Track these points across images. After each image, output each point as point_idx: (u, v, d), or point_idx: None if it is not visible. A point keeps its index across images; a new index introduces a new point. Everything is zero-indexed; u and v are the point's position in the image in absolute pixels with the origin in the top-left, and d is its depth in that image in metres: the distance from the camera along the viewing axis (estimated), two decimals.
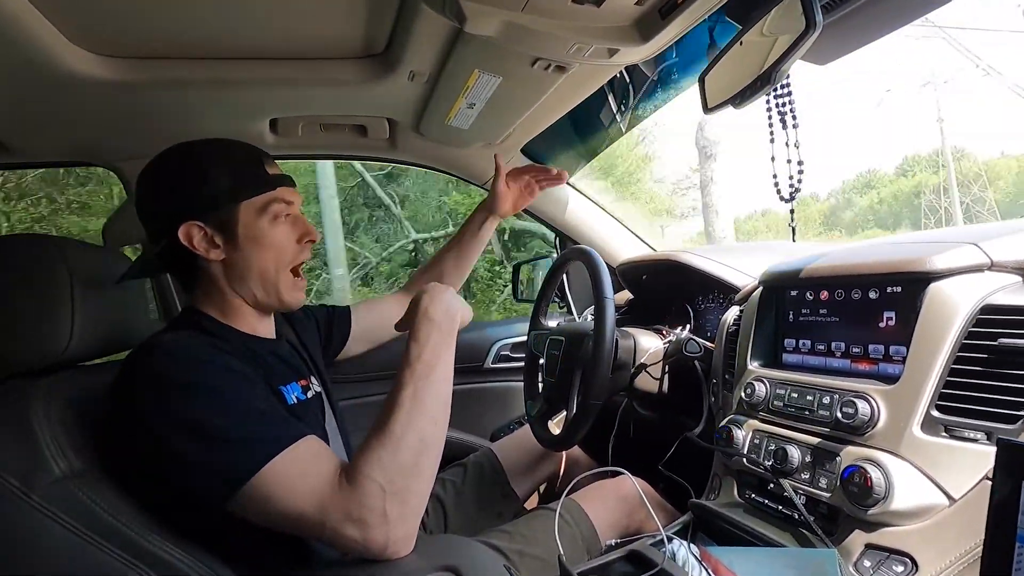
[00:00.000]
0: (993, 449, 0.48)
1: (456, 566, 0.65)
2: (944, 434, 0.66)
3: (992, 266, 0.69)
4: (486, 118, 1.19)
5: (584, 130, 1.59)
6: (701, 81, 0.90)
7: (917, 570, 0.63)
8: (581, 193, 1.63)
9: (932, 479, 0.65)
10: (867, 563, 0.67)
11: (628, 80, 1.36)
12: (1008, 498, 0.42)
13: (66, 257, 0.73)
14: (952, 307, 0.68)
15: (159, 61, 0.96)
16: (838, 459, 0.73)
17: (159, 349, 0.67)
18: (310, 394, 0.85)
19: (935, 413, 0.67)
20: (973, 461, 0.63)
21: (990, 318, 0.65)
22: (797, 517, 0.76)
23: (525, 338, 1.34)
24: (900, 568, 0.64)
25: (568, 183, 1.63)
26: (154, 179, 0.76)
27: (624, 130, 1.59)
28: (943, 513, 0.64)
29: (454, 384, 1.72)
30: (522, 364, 1.37)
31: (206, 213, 0.73)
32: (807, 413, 0.80)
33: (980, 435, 0.63)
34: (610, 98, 1.44)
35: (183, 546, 0.66)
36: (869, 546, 0.68)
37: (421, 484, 0.65)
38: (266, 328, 0.84)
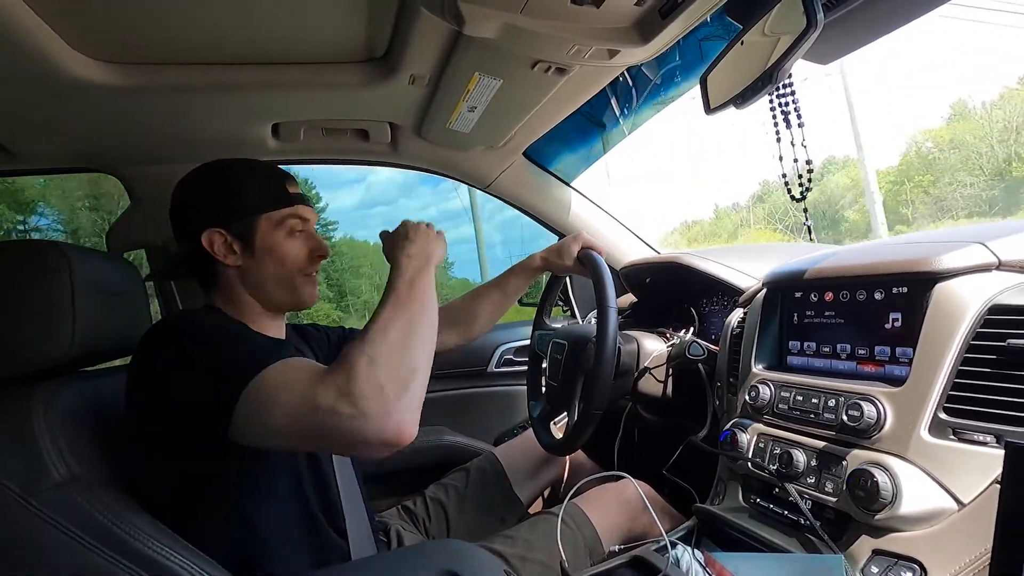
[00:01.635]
0: (1003, 452, 0.47)
1: (457, 571, 0.64)
2: (952, 437, 0.65)
3: (1000, 266, 0.68)
4: (487, 121, 1.19)
5: (587, 132, 1.58)
6: (703, 82, 0.90)
7: (925, 575, 0.62)
8: (584, 196, 1.63)
9: (941, 483, 0.64)
10: (874, 569, 0.65)
11: (630, 82, 1.36)
12: (1017, 504, 0.41)
13: (68, 262, 0.74)
14: (959, 307, 0.67)
15: (161, 66, 0.97)
16: (844, 463, 0.72)
17: (176, 318, 0.75)
18: None
19: (943, 415, 0.65)
20: (983, 464, 0.61)
21: (998, 318, 0.64)
22: (803, 522, 0.75)
23: (528, 342, 1.33)
24: (908, 574, 0.63)
25: (571, 186, 1.63)
26: (188, 188, 0.83)
27: (627, 132, 1.59)
28: (952, 518, 0.62)
29: (457, 389, 1.72)
30: (525, 368, 1.36)
31: (228, 222, 0.80)
32: (812, 416, 0.79)
33: (989, 438, 0.62)
34: (612, 100, 1.44)
35: (181, 550, 0.65)
36: (876, 552, 0.66)
37: (413, 359, 0.62)
38: (276, 331, 0.87)
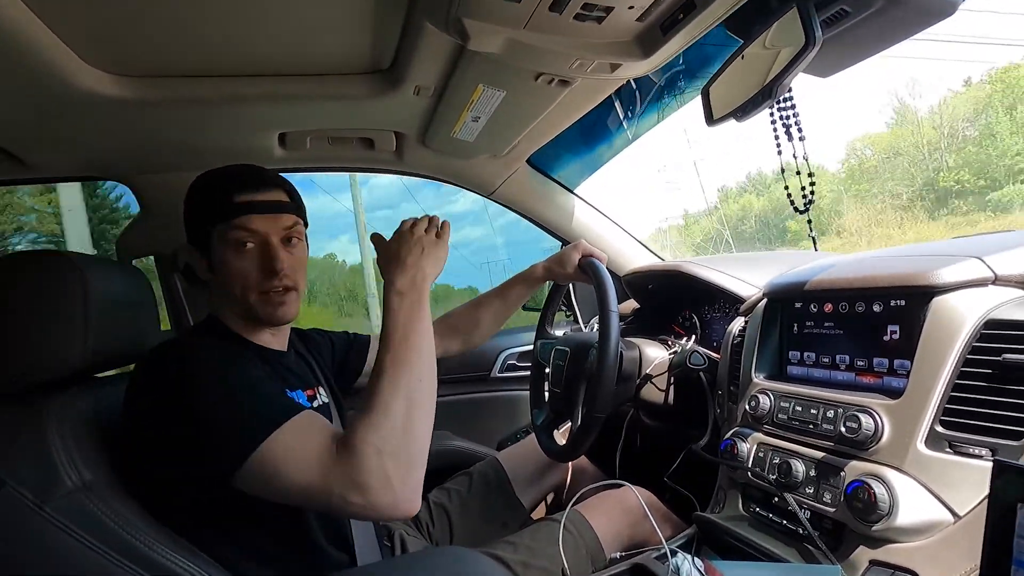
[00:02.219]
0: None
1: None
2: (948, 450, 0.65)
3: (996, 280, 0.69)
4: (491, 130, 1.20)
5: (591, 140, 1.59)
6: (704, 94, 0.91)
7: None
8: (587, 203, 1.64)
9: (937, 495, 0.65)
10: None
11: (635, 88, 1.37)
12: (1003, 521, 0.42)
13: (79, 271, 0.75)
14: (956, 321, 0.68)
15: (171, 79, 0.99)
16: (842, 474, 0.72)
17: (175, 344, 0.73)
18: (316, 403, 0.87)
19: (939, 428, 0.66)
20: (978, 477, 0.62)
21: (994, 333, 0.65)
22: (801, 532, 0.76)
23: (531, 347, 1.34)
24: None
25: (574, 193, 1.64)
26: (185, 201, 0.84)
27: (632, 139, 1.60)
28: (948, 530, 0.63)
29: (461, 394, 1.74)
30: (528, 373, 1.37)
31: (194, 238, 0.81)
32: (811, 427, 0.79)
33: (985, 451, 0.63)
34: (617, 107, 1.45)
35: (191, 557, 0.67)
36: (874, 562, 0.67)
37: (416, 442, 0.65)
38: (277, 342, 0.87)
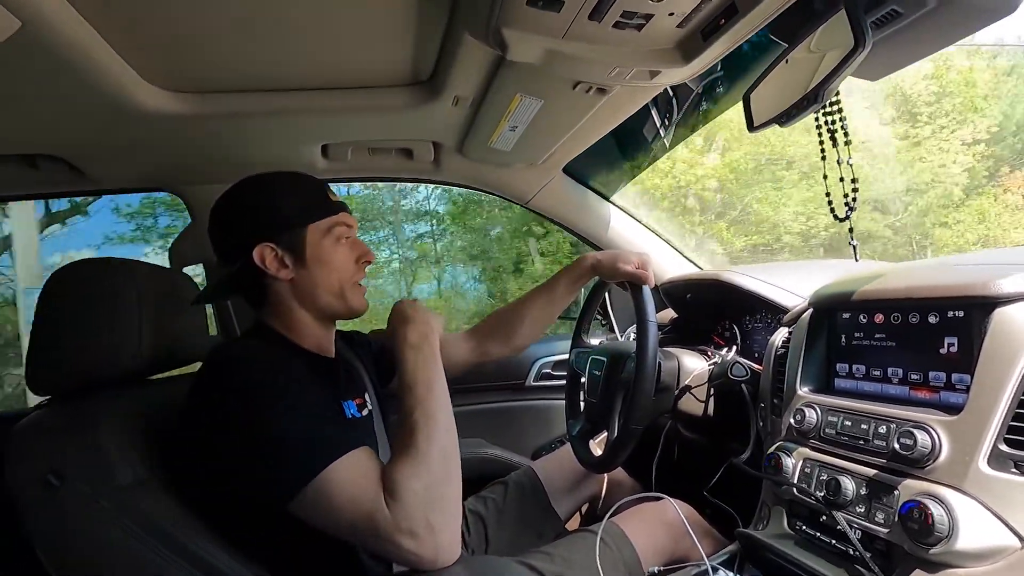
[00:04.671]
0: None
1: None
2: (1015, 470, 0.62)
3: None
4: (528, 139, 1.21)
5: (627, 147, 1.58)
6: (746, 99, 0.89)
7: None
8: (623, 211, 1.63)
9: (1001, 518, 0.61)
10: None
11: (672, 94, 1.35)
12: None
13: (135, 278, 0.79)
14: (1021, 334, 0.64)
15: (221, 95, 1.03)
16: (896, 493, 0.69)
17: (234, 356, 0.74)
18: (364, 412, 0.89)
19: (1003, 447, 0.63)
20: None
21: None
22: (852, 553, 0.72)
23: (566, 356, 1.33)
24: None
25: (610, 200, 1.63)
26: (230, 207, 0.83)
27: (668, 146, 1.58)
28: (1015, 556, 0.59)
29: (495, 402, 1.74)
30: (563, 382, 1.36)
31: (278, 236, 0.80)
32: (862, 443, 0.76)
33: None
34: (653, 113, 1.43)
35: (238, 557, 0.69)
36: None
37: (453, 491, 0.69)
38: (327, 346, 0.89)
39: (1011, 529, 0.60)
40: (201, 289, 0.99)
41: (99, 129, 1.05)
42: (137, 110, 0.97)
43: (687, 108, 1.40)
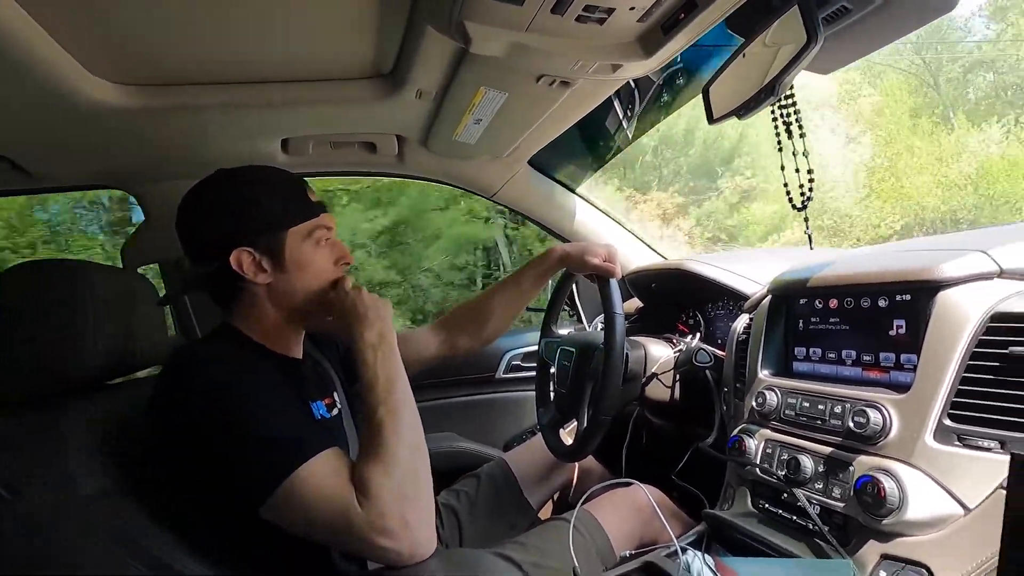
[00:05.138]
0: (1007, 458, 0.48)
1: None
2: (957, 443, 0.66)
3: (1001, 274, 0.69)
4: (492, 132, 1.21)
5: (591, 139, 1.60)
6: (705, 92, 0.91)
7: None
8: (588, 202, 1.64)
9: (946, 488, 0.65)
10: (883, 573, 0.66)
11: (634, 86, 1.37)
12: (1021, 512, 0.42)
13: (86, 280, 0.76)
14: (962, 315, 0.68)
15: (173, 87, 0.99)
16: (851, 469, 0.73)
17: (199, 359, 0.72)
18: (334, 412, 0.88)
19: (947, 422, 0.67)
20: (987, 470, 0.62)
21: (1000, 326, 0.65)
22: (811, 527, 0.76)
23: (536, 347, 1.34)
24: None
25: (576, 192, 1.65)
26: (204, 205, 0.79)
27: (631, 138, 1.61)
28: (959, 523, 0.63)
29: (466, 395, 1.74)
30: (533, 373, 1.37)
31: (256, 239, 0.77)
32: (819, 422, 0.80)
33: (994, 444, 0.63)
34: (616, 106, 1.45)
35: (206, 562, 0.68)
36: (884, 556, 0.67)
37: (425, 486, 0.69)
38: (296, 348, 0.87)
39: (955, 498, 0.64)
40: (157, 289, 0.95)
41: (43, 125, 0.99)
42: (83, 105, 0.93)
43: (649, 100, 1.42)
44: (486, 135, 1.22)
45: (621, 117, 1.49)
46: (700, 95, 0.92)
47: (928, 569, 0.64)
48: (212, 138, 1.16)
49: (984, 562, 0.61)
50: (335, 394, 0.92)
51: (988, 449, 0.63)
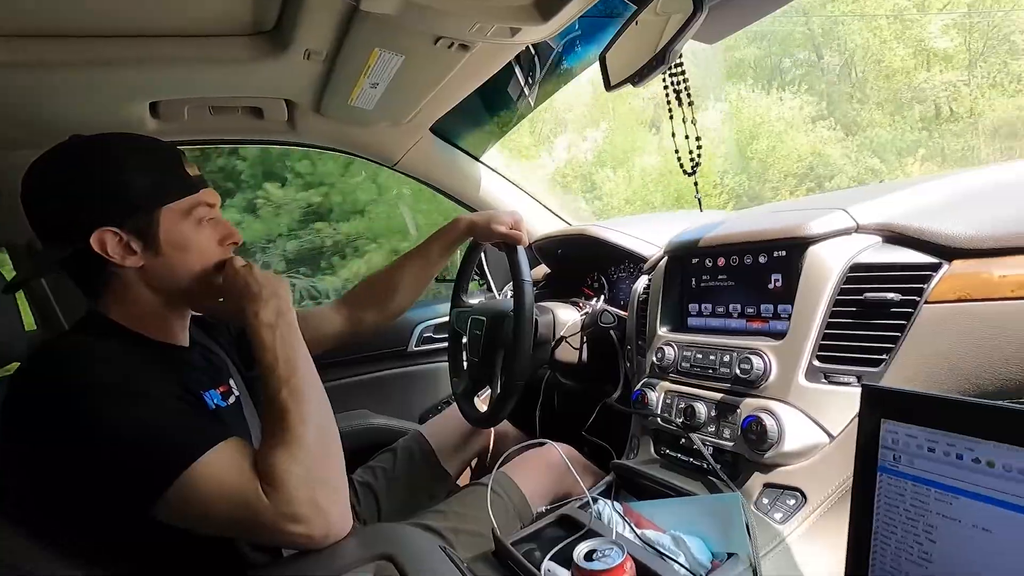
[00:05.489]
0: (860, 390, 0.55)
1: (391, 553, 0.65)
2: (824, 380, 0.74)
3: (858, 229, 0.78)
4: (391, 97, 1.16)
5: (493, 106, 1.58)
6: (602, 59, 0.93)
7: (806, 501, 0.72)
8: (493, 170, 1.64)
9: (816, 421, 0.73)
10: (765, 500, 0.75)
11: (534, 53, 1.37)
12: (871, 434, 0.49)
13: None
14: (827, 267, 0.76)
15: (20, 39, 0.85)
16: (739, 411, 0.80)
17: (65, 356, 0.63)
18: (231, 400, 0.82)
19: (816, 363, 0.75)
20: (847, 402, 0.71)
21: (858, 275, 0.74)
22: (706, 467, 0.83)
23: (447, 318, 1.34)
24: (792, 501, 0.73)
25: (480, 160, 1.63)
26: (55, 178, 0.68)
27: (533, 105, 1.61)
28: (825, 450, 0.72)
29: (378, 371, 1.70)
30: (445, 345, 1.37)
31: (122, 218, 0.68)
32: (711, 372, 0.87)
33: (852, 379, 0.72)
34: (518, 72, 1.44)
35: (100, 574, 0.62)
36: (767, 485, 0.76)
37: (336, 466, 0.67)
38: (181, 335, 0.79)
39: (822, 428, 0.73)
40: (5, 276, 0.83)
41: None
42: None
43: (549, 68, 1.43)
44: (384, 100, 1.16)
45: (523, 84, 1.49)
46: (597, 62, 0.94)
47: (802, 492, 0.72)
48: (68, 100, 1.01)
49: (844, 481, 0.70)
50: (231, 381, 0.85)
51: (848, 384, 0.72)
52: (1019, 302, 0.61)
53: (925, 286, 0.68)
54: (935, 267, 0.68)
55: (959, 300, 0.65)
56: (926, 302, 0.67)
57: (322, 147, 1.45)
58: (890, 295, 0.70)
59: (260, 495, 0.59)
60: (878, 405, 0.49)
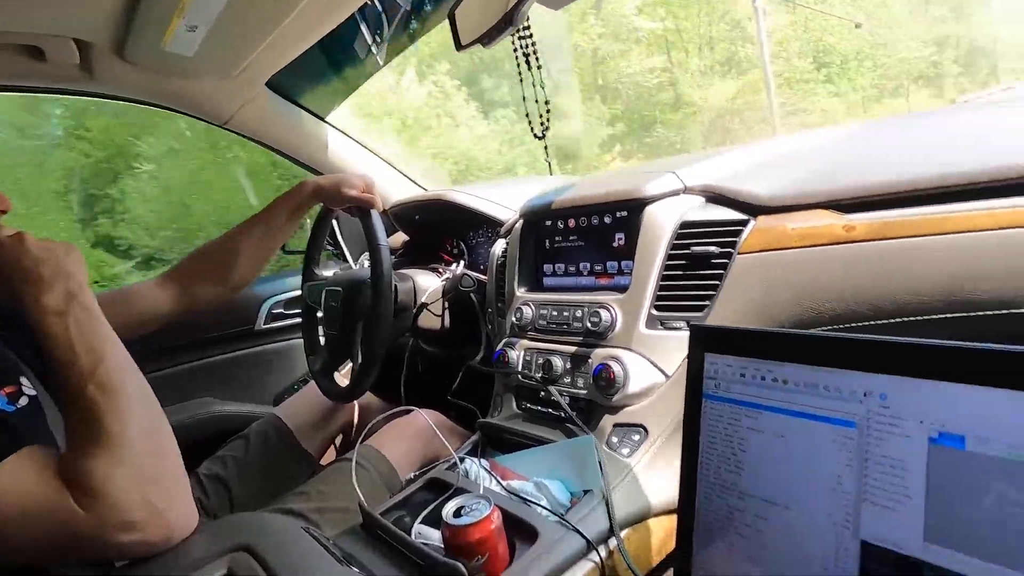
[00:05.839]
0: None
1: (248, 543, 0.61)
2: (661, 327, 0.83)
3: (686, 190, 0.87)
4: (215, 43, 1.02)
5: (339, 63, 1.48)
6: (451, 17, 0.90)
7: (648, 435, 0.80)
8: (342, 132, 1.54)
9: (654, 364, 0.82)
10: (615, 439, 0.82)
11: (381, 10, 1.29)
12: (697, 367, 0.56)
13: None
14: (661, 225, 0.84)
15: None
16: (590, 361, 0.87)
17: None
18: (22, 401, 0.67)
19: (654, 312, 0.83)
20: (679, 344, 0.81)
21: (686, 232, 0.83)
22: (563, 415, 0.89)
23: (299, 292, 1.25)
24: (636, 437, 0.81)
25: (326, 121, 1.52)
26: None
27: (382, 63, 1.53)
28: (662, 388, 0.81)
29: (224, 353, 1.56)
30: (298, 321, 1.28)
31: None
32: (565, 327, 0.92)
33: (682, 324, 0.81)
34: (364, 29, 1.36)
35: None
36: (616, 425, 0.83)
37: (171, 461, 0.60)
38: None
39: (660, 370, 0.82)
40: None
41: None
42: None
43: (398, 25, 1.36)
44: (207, 46, 1.02)
45: (369, 41, 1.41)
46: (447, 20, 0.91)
47: (644, 428, 0.81)
48: None
49: (678, 412, 0.79)
50: (21, 379, 0.71)
51: (680, 328, 0.81)
52: (803, 250, 0.73)
53: (737, 239, 0.78)
54: (744, 223, 0.78)
55: (762, 250, 0.76)
56: (739, 253, 0.78)
57: (130, 99, 1.24)
58: (711, 248, 0.79)
59: (74, 508, 0.51)
60: (702, 341, 0.56)
